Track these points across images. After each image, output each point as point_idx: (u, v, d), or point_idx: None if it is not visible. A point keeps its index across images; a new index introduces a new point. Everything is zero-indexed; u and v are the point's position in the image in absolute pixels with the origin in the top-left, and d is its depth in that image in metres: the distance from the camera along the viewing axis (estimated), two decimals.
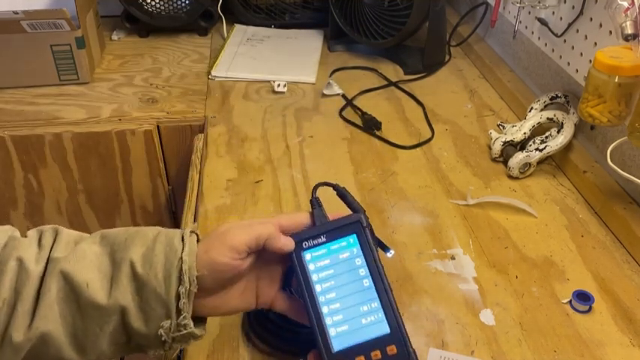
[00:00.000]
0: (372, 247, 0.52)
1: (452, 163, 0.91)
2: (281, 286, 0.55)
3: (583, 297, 0.65)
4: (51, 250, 0.49)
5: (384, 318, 0.50)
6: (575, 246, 0.74)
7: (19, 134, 0.99)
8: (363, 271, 0.52)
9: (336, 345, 0.49)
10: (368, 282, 0.51)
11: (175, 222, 1.13)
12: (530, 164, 0.86)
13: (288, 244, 0.52)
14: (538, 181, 0.87)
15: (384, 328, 0.49)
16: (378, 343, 0.49)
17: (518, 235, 0.76)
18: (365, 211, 0.56)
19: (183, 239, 0.50)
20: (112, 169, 1.05)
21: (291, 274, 0.54)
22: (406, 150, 0.94)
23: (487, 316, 0.64)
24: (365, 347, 0.49)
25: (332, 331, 0.50)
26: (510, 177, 0.87)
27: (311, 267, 0.52)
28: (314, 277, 0.52)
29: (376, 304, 0.50)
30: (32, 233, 0.51)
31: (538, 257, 0.72)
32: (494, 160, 0.91)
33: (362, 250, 0.52)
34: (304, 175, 0.87)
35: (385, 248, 0.61)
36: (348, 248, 0.53)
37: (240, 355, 0.59)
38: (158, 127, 1.02)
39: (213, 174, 0.87)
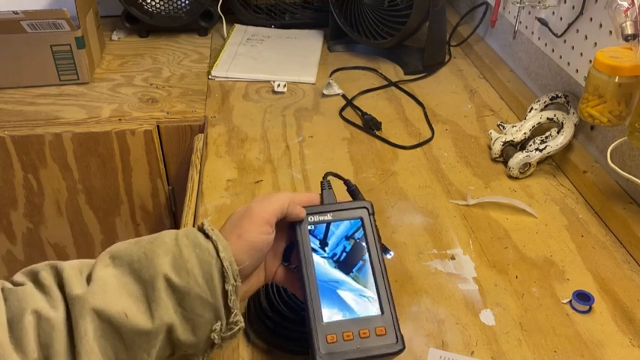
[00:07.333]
0: (375, 234, 0.54)
1: (452, 163, 0.91)
2: (282, 261, 0.57)
3: (583, 297, 0.65)
4: (63, 289, 0.45)
5: (377, 300, 0.51)
6: (575, 246, 0.74)
7: (19, 134, 0.99)
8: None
9: (326, 317, 0.50)
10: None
11: (175, 222, 1.14)
12: (530, 164, 0.86)
13: (302, 211, 0.54)
14: (538, 181, 0.87)
15: (376, 310, 0.51)
16: (369, 322, 0.50)
17: (518, 235, 0.76)
18: (374, 213, 0.57)
19: (207, 236, 0.49)
20: (112, 169, 1.05)
21: (292, 248, 0.56)
22: (406, 150, 0.94)
23: (487, 316, 0.64)
24: (354, 323, 0.50)
25: (324, 303, 0.51)
26: (510, 177, 0.87)
27: (312, 240, 0.54)
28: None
29: (372, 286, 0.52)
30: (22, 279, 0.46)
31: (538, 257, 0.72)
32: (494, 160, 0.91)
33: (364, 234, 0.54)
34: (304, 176, 0.87)
35: (385, 249, 0.62)
36: (351, 230, 0.55)
37: (240, 356, 0.59)
38: (158, 127, 1.02)
39: (213, 174, 0.87)
